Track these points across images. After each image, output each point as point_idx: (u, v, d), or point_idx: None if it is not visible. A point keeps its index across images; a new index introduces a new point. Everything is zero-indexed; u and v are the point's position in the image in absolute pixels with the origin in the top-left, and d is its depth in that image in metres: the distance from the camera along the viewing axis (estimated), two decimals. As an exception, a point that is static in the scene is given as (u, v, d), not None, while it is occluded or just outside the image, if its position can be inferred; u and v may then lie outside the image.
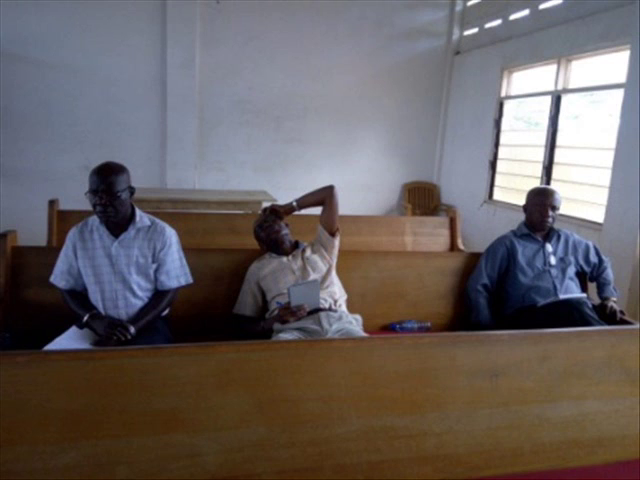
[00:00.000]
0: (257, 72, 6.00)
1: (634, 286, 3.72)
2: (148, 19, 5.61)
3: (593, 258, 2.71)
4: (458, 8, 6.35)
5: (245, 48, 5.91)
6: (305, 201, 2.56)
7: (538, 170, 4.97)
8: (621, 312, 2.54)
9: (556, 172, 4.82)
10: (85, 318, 2.02)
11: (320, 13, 6.05)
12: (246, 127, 6.10)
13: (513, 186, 5.52)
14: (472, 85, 6.08)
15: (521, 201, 2.83)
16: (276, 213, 2.52)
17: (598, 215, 4.20)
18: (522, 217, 2.78)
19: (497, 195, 5.73)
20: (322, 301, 2.26)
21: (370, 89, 6.38)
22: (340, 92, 6.29)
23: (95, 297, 2.10)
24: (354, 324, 2.24)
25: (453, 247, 3.67)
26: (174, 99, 5.74)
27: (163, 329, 2.19)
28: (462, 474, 1.48)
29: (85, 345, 1.99)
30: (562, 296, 2.54)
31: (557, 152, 4.81)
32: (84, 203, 2.19)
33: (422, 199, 6.71)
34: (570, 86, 4.72)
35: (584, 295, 2.66)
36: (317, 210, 2.59)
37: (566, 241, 2.69)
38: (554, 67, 4.79)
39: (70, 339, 2.00)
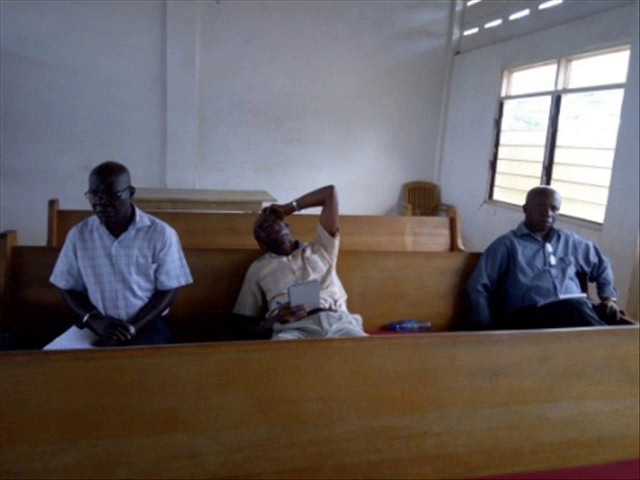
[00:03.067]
0: (257, 72, 6.01)
1: (634, 286, 3.72)
2: (148, 19, 5.61)
3: (593, 258, 2.71)
4: (458, 8, 6.35)
5: (245, 48, 5.92)
6: (305, 201, 2.56)
7: (538, 170, 4.97)
8: (621, 312, 2.54)
9: (556, 172, 4.83)
10: (85, 318, 2.02)
11: (320, 13, 6.05)
12: (246, 127, 6.11)
13: (513, 186, 5.51)
14: (472, 85, 6.08)
15: (521, 201, 2.83)
16: (276, 213, 2.52)
17: (598, 215, 4.20)
18: (522, 217, 2.78)
19: (497, 195, 5.73)
20: (322, 301, 2.26)
21: (370, 89, 6.39)
22: (340, 92, 6.30)
23: (95, 297, 2.10)
24: (354, 324, 2.24)
25: (453, 247, 3.67)
26: (174, 99, 5.74)
27: (163, 329, 2.19)
28: (462, 474, 1.48)
29: (85, 345, 1.99)
30: (562, 296, 2.54)
31: (557, 152, 4.81)
32: (84, 203, 2.19)
33: (422, 199, 6.71)
34: (570, 86, 4.72)
35: (584, 295, 2.66)
36: (317, 210, 2.59)
37: (566, 241, 2.70)
38: (554, 67, 4.80)
39: (70, 339, 2.00)
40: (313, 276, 2.35)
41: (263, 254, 2.51)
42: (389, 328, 2.67)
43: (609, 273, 2.71)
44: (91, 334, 2.04)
